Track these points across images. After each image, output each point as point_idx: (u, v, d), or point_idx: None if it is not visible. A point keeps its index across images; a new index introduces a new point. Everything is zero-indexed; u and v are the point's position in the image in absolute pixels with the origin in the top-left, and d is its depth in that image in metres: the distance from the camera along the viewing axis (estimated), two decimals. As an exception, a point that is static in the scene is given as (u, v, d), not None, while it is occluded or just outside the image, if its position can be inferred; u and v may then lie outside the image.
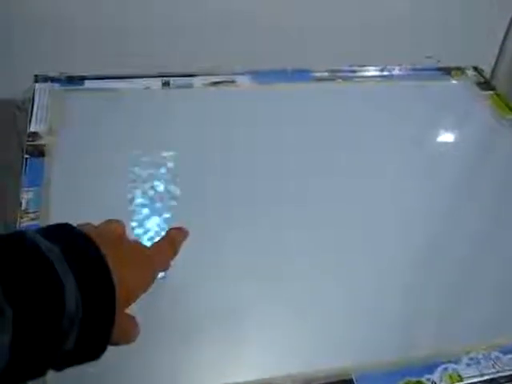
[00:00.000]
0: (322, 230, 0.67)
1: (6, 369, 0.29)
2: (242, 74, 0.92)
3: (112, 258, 0.35)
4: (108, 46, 0.98)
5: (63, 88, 0.84)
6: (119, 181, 0.70)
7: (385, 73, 0.99)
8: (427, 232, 0.70)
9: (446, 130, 0.90)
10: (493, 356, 0.56)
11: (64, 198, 0.66)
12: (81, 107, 0.81)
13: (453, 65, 1.03)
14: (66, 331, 0.32)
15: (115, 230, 0.42)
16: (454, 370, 0.54)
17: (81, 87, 0.85)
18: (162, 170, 0.72)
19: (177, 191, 0.69)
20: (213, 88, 0.89)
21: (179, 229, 0.50)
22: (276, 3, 1.03)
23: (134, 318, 0.40)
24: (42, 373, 0.33)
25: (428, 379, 0.53)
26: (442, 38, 1.13)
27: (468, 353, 0.56)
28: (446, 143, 0.88)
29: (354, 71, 0.97)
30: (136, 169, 0.72)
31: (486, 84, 1.00)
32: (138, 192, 0.69)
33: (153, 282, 0.42)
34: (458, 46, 1.10)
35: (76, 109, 0.81)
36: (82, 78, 0.86)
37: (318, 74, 0.94)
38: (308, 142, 0.81)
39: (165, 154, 0.75)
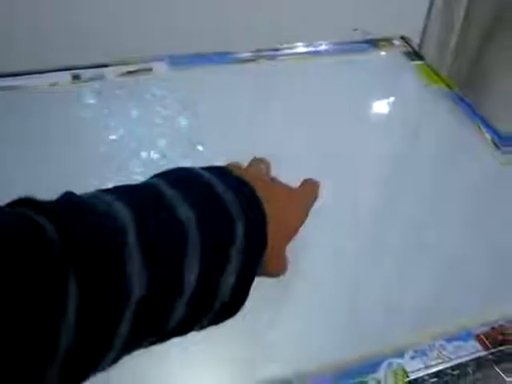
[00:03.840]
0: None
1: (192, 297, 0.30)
2: (159, 60, 0.85)
3: (264, 195, 0.35)
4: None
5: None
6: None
7: (311, 49, 0.94)
8: (361, 209, 0.67)
9: (377, 102, 0.87)
10: (437, 345, 0.53)
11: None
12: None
13: (380, 36, 0.99)
14: (231, 260, 0.32)
15: (263, 169, 0.44)
16: (398, 365, 0.51)
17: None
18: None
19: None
20: (128, 78, 0.82)
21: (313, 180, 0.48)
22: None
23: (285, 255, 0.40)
24: (209, 308, 0.32)
25: (373, 378, 0.50)
26: (368, 9, 1.10)
27: (412, 345, 0.52)
28: (377, 115, 0.85)
29: (278, 49, 0.92)
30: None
31: (414, 54, 0.97)
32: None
33: (307, 217, 0.42)
34: (385, 17, 1.07)
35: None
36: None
37: (240, 56, 0.89)
38: (237, 122, 0.77)
39: (82, 159, 0.69)
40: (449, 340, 0.53)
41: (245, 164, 0.44)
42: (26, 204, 0.27)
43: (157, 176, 0.34)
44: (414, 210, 0.68)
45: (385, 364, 0.51)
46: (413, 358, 0.52)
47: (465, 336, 0.54)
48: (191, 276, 0.30)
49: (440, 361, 0.51)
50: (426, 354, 0.52)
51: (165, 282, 0.29)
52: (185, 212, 0.30)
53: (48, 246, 0.25)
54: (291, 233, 0.40)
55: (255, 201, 0.34)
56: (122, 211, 0.28)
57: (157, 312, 0.29)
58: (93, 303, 0.25)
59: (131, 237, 0.27)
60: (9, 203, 0.28)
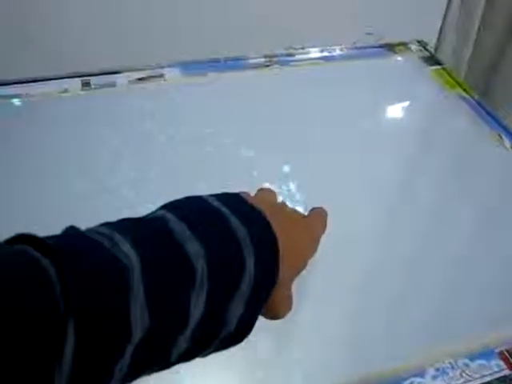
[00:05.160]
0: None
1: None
2: (171, 66, 0.84)
3: (276, 226, 0.34)
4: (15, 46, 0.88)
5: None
6: (35, 203, 0.62)
7: (325, 54, 0.93)
8: (377, 209, 0.66)
9: (394, 108, 0.85)
10: (460, 364, 0.50)
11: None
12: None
13: (396, 40, 0.97)
14: (239, 294, 0.31)
15: (271, 198, 0.42)
16: (419, 384, 0.49)
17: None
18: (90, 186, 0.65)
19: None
20: (139, 85, 0.81)
21: (321, 208, 0.47)
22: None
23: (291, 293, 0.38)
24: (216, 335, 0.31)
25: (392, 399, 0.48)
26: (382, 12, 1.08)
27: (433, 363, 0.50)
28: (394, 121, 0.83)
29: (292, 55, 0.90)
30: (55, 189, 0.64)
31: (431, 59, 0.95)
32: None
33: (317, 248, 0.40)
34: (401, 20, 1.05)
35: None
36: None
37: (252, 61, 0.88)
38: (251, 129, 0.76)
39: (94, 170, 0.67)
40: (472, 358, 0.51)
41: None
42: (26, 241, 0.26)
43: (165, 207, 0.33)
44: (429, 220, 0.66)
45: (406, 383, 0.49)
46: (434, 377, 0.49)
47: (488, 354, 0.51)
48: (197, 311, 0.29)
49: (463, 380, 0.49)
50: (447, 373, 0.50)
51: (168, 320, 0.28)
52: (193, 247, 0.29)
53: (48, 291, 0.24)
54: (300, 265, 0.38)
55: (268, 234, 0.33)
56: (127, 250, 0.27)
57: (158, 348, 0.28)
58: (92, 349, 0.24)
59: (136, 279, 0.26)
60: (8, 239, 0.27)
